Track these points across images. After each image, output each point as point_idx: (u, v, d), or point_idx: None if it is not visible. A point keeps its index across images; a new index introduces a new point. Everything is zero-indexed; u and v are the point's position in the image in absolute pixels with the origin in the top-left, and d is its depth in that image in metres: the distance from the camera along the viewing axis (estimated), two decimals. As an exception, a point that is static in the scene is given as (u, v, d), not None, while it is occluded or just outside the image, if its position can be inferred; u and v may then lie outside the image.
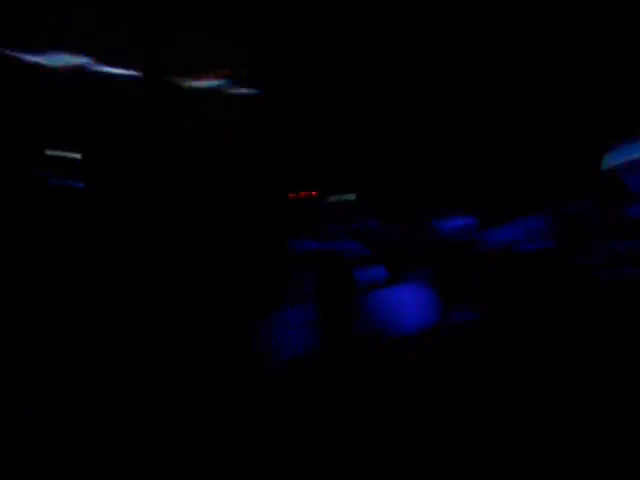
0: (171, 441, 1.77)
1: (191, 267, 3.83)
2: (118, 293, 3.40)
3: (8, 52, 3.79)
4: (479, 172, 3.65)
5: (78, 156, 4.09)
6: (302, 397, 2.09)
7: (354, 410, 2.00)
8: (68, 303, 3.20)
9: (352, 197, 4.31)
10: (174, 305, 3.32)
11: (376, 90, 4.84)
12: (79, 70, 4.31)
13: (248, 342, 2.70)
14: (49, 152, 3.96)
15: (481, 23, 4.40)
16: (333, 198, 4.50)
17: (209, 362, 2.48)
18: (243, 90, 5.35)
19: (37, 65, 4.15)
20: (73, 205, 3.99)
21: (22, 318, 2.88)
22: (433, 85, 4.61)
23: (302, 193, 4.82)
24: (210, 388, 2.18)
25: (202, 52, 5.15)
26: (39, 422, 1.84)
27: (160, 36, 4.79)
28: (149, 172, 4.35)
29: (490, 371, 2.26)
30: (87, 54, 4.35)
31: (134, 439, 1.77)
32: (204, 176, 4.60)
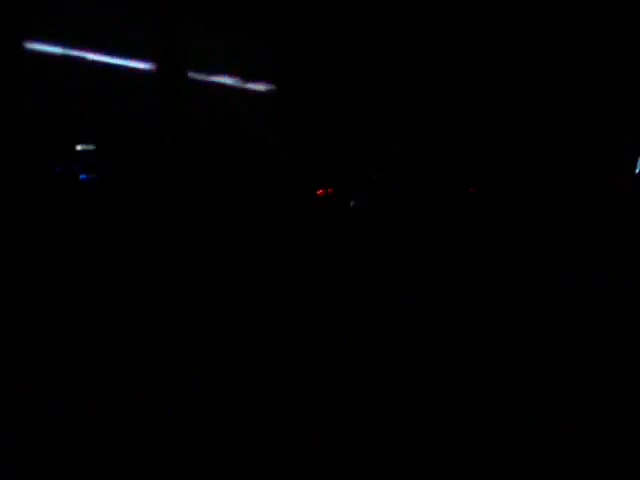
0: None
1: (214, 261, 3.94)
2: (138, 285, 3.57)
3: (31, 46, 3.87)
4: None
5: (92, 148, 4.13)
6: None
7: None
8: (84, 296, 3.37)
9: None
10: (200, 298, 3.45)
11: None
12: (96, 65, 4.39)
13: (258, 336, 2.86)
14: (79, 147, 4.10)
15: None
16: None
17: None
18: (260, 87, 5.38)
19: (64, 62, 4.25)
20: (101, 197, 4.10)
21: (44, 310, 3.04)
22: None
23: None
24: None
25: (220, 48, 5.17)
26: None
27: (176, 32, 4.80)
28: (170, 168, 4.44)
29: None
30: (104, 48, 4.42)
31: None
32: (222, 171, 4.67)
